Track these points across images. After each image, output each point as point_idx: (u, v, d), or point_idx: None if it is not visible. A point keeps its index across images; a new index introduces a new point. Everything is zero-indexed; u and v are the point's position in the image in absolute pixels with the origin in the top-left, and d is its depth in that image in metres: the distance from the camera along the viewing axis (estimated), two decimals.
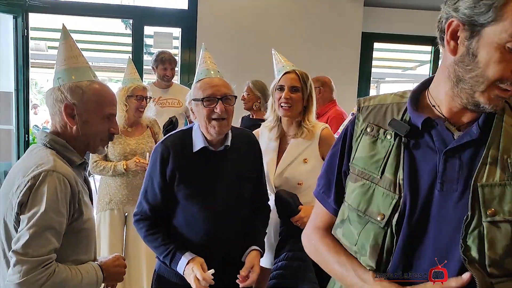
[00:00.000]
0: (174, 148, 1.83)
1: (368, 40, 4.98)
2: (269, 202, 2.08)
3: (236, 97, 1.85)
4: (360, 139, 1.12)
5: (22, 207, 1.32)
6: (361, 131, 1.13)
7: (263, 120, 3.52)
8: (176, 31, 4.76)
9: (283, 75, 2.20)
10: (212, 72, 1.87)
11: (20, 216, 1.32)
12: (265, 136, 2.29)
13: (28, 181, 1.32)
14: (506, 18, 0.86)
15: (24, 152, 4.34)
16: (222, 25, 4.53)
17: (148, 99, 3.07)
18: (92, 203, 1.58)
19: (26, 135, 4.39)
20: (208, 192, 1.82)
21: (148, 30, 4.62)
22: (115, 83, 17.79)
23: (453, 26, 0.94)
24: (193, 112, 1.86)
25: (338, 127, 3.44)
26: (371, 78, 5.40)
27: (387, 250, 1.02)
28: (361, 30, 4.79)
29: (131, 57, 3.76)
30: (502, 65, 0.89)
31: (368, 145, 1.10)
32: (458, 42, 0.94)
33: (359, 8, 4.73)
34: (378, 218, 1.03)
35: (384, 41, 5.46)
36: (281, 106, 2.17)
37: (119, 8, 4.54)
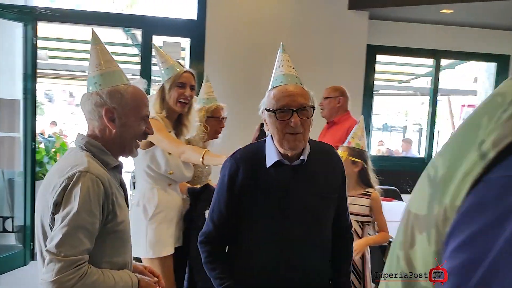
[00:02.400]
0: (244, 163, 1.68)
1: (371, 53, 5.08)
2: None
3: (314, 107, 1.66)
4: None
5: (57, 207, 1.37)
6: None
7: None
8: (185, 42, 4.80)
9: (183, 73, 2.36)
10: (288, 78, 1.69)
11: (55, 216, 1.37)
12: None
13: (63, 182, 1.37)
14: None
15: (31, 159, 4.29)
16: (231, 35, 4.58)
17: (225, 119, 2.88)
18: (128, 206, 1.62)
19: (33, 143, 4.36)
20: (282, 211, 1.65)
21: (154, 41, 4.64)
22: None
23: None
24: (266, 123, 1.70)
25: None
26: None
27: None
28: (366, 43, 4.88)
29: (139, 68, 3.74)
30: None
31: None
32: None
33: (365, 21, 4.83)
34: None
35: (387, 53, 5.57)
36: (180, 102, 2.33)
37: (128, 18, 4.57)
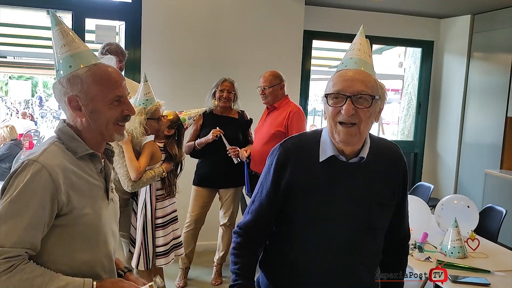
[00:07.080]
0: (295, 153, 1.50)
1: (307, 38, 5.16)
2: None
3: (374, 97, 1.40)
4: None
5: (2, 193, 1.31)
6: None
7: (233, 118, 3.56)
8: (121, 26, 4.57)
9: None
10: (354, 63, 1.44)
11: None
12: None
13: (14, 168, 1.31)
14: None
15: None
16: (168, 20, 4.44)
17: (164, 118, 2.96)
18: (108, 197, 1.50)
19: None
20: (333, 214, 1.46)
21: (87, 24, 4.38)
22: (25, 81, 16.14)
23: None
24: (325, 112, 1.48)
25: (301, 122, 3.54)
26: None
27: None
28: (303, 28, 4.95)
29: None
30: None
31: None
32: None
33: (301, 6, 4.88)
34: None
35: (322, 39, 5.68)
36: None
37: None
